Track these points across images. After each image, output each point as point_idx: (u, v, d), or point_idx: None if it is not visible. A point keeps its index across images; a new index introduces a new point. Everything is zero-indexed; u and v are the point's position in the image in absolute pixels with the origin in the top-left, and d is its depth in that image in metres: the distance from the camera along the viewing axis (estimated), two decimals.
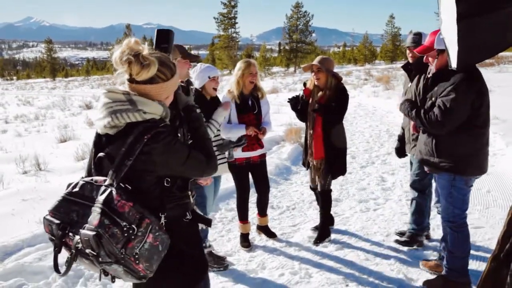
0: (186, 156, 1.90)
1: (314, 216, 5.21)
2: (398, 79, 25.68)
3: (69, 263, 1.75)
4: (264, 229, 4.65)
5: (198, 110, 2.18)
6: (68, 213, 1.80)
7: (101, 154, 1.89)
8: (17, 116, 20.16)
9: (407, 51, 4.17)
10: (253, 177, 4.49)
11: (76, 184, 1.86)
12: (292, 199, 5.96)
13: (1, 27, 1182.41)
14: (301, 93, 4.41)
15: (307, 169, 4.67)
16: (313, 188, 4.69)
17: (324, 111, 4.17)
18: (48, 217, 1.83)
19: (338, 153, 4.34)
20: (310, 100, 4.36)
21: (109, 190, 1.75)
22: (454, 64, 3.25)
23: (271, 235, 4.61)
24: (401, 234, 4.46)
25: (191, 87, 3.54)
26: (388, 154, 8.35)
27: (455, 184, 3.28)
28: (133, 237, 1.70)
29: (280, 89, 25.21)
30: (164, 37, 2.02)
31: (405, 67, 4.19)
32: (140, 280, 1.79)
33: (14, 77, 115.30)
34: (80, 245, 1.71)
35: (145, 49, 1.87)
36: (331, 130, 4.25)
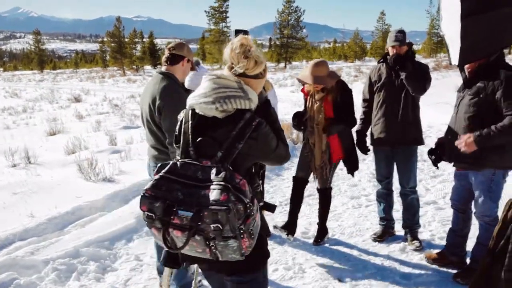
0: (276, 146, 2.07)
1: (307, 212, 5.24)
2: None
3: (186, 239, 1.80)
4: None
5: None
6: (171, 191, 1.85)
7: (204, 137, 1.98)
8: (4, 108, 19.89)
9: (390, 49, 4.08)
10: None
11: (174, 164, 1.93)
12: (285, 195, 5.97)
13: None
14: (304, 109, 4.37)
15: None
16: (298, 178, 4.49)
17: (336, 123, 4.14)
18: (148, 195, 1.86)
19: (353, 148, 4.36)
20: (309, 100, 4.30)
21: (225, 170, 1.84)
22: (454, 60, 3.29)
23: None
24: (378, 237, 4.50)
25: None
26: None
27: (495, 179, 3.34)
28: (252, 214, 1.84)
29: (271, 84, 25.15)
30: (242, 33, 2.19)
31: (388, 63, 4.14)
32: (241, 258, 1.87)
33: (1, 69, 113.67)
34: (192, 223, 1.77)
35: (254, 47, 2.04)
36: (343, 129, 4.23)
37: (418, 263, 3.93)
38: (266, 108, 2.16)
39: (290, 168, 7.28)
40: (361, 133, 4.47)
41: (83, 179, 6.63)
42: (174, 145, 2.14)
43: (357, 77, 26.84)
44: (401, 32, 4.07)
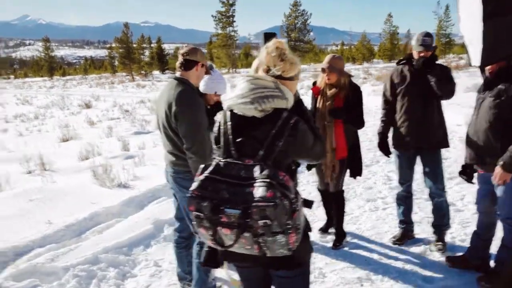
0: (313, 143, 2.11)
1: (323, 216, 5.21)
2: None
3: (236, 236, 1.85)
4: None
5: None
6: (217, 191, 1.90)
7: (245, 137, 2.03)
8: (17, 115, 20.09)
9: (416, 52, 3.99)
10: None
11: (217, 164, 1.98)
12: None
13: None
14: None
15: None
16: (322, 190, 4.65)
17: (344, 114, 4.14)
18: (195, 195, 1.91)
19: (357, 150, 4.34)
20: (319, 99, 4.30)
21: (268, 167, 1.90)
22: (475, 61, 3.26)
23: None
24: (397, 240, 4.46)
25: None
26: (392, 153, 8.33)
27: None
28: (297, 208, 1.91)
29: None
30: (271, 38, 2.25)
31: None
32: (288, 252, 1.92)
33: (12, 76, 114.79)
34: (240, 220, 1.82)
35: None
36: (350, 128, 4.23)
37: (441, 266, 3.88)
38: (299, 107, 2.20)
39: (303, 172, 7.25)
40: (384, 135, 4.41)
41: (98, 185, 6.66)
42: (214, 146, 2.16)
43: (366, 79, 26.76)
44: (429, 36, 3.98)
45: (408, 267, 3.91)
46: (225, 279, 3.71)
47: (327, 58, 4.26)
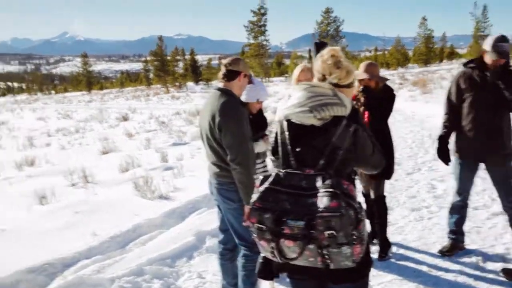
0: (372, 151, 2.09)
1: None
2: (435, 82, 25.14)
3: (301, 249, 1.82)
4: None
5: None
6: (278, 202, 1.88)
7: (304, 146, 2.01)
8: (58, 129, 20.76)
9: (491, 60, 3.63)
10: None
11: (277, 175, 1.95)
12: None
13: (39, 43, 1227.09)
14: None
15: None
16: (365, 195, 4.58)
17: (372, 107, 4.08)
18: (256, 207, 1.90)
19: (389, 153, 4.21)
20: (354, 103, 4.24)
21: (331, 177, 1.86)
22: None
23: None
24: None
25: None
26: (434, 160, 8.08)
27: None
28: (362, 218, 1.86)
29: None
30: (322, 47, 2.25)
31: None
32: (352, 264, 1.87)
33: (52, 91, 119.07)
34: (304, 231, 1.78)
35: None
36: (379, 129, 4.12)
37: (495, 278, 3.71)
38: (355, 114, 2.14)
39: None
40: (444, 141, 4.11)
41: (139, 196, 6.76)
42: (272, 157, 2.14)
43: (402, 85, 26.28)
44: (506, 41, 3.61)
45: (461, 279, 3.76)
46: None
47: (363, 67, 4.19)
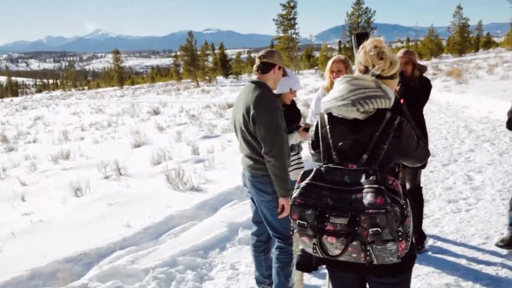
0: (417, 143, 2.02)
1: None
2: (471, 72, 24.42)
3: (345, 246, 1.77)
4: None
5: None
6: (320, 198, 1.82)
7: (346, 140, 1.95)
8: (92, 123, 21.25)
9: None
10: None
11: (319, 170, 1.90)
12: None
13: (72, 41, 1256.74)
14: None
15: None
16: (401, 185, 4.45)
17: (407, 96, 3.98)
18: (298, 203, 1.85)
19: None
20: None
21: (375, 172, 1.81)
22: None
23: None
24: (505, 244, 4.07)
25: None
26: (471, 151, 7.87)
27: None
28: (408, 214, 1.81)
29: None
30: (363, 37, 2.19)
31: None
32: (397, 260, 1.82)
33: (86, 87, 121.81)
34: (349, 228, 1.74)
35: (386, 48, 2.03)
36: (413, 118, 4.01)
37: None
38: (399, 107, 2.07)
39: None
40: None
41: (171, 188, 6.81)
42: (312, 151, 2.08)
43: (436, 75, 25.64)
44: None
45: (503, 272, 3.61)
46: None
47: (400, 53, 4.11)
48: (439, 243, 4.29)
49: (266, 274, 3.50)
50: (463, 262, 3.87)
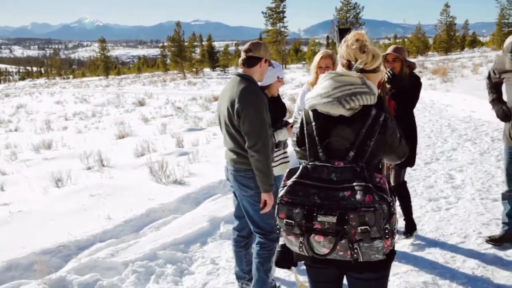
0: (399, 140, 2.02)
1: None
2: (456, 71, 24.66)
3: (334, 245, 1.77)
4: None
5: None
6: (308, 196, 1.80)
7: (332, 137, 1.94)
8: (75, 113, 20.98)
9: None
10: None
11: (305, 167, 1.87)
12: None
13: (57, 28, 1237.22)
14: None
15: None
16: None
17: (397, 96, 4.00)
18: (285, 201, 1.83)
19: (413, 142, 4.14)
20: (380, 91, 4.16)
21: (363, 169, 1.80)
22: None
23: None
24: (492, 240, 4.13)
25: None
26: (453, 150, 7.96)
27: None
28: (394, 212, 1.82)
29: None
30: (346, 32, 2.19)
31: None
32: (383, 257, 1.83)
33: (71, 76, 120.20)
34: (337, 227, 1.73)
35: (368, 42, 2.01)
36: (405, 118, 4.04)
37: None
38: (381, 103, 2.07)
39: None
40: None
41: (154, 181, 6.76)
42: (296, 148, 2.06)
43: (421, 73, 25.82)
44: None
45: (478, 272, 3.66)
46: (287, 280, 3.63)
47: (390, 50, 4.15)
48: (418, 241, 4.33)
49: (246, 269, 3.50)
50: (441, 260, 3.92)
